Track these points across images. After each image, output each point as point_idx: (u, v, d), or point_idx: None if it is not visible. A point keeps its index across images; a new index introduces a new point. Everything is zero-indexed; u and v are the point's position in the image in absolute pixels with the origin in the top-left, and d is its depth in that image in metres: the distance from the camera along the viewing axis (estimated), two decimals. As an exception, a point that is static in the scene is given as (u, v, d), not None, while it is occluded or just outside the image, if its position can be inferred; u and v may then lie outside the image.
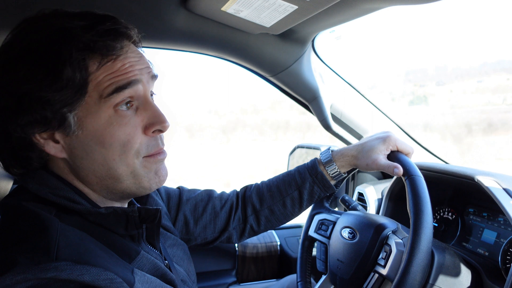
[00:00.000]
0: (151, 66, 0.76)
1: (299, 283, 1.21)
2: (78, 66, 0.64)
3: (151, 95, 0.77)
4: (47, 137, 0.68)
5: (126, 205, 0.82)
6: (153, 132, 0.73)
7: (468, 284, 0.96)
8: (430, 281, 0.90)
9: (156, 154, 0.75)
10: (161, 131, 0.74)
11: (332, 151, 1.13)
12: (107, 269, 0.60)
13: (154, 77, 0.76)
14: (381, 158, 1.04)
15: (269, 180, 1.19)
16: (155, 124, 0.72)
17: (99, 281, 0.58)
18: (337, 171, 1.11)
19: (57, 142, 0.68)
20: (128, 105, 0.70)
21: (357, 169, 1.16)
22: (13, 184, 1.00)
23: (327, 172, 1.11)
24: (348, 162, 1.11)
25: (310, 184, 1.12)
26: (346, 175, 1.15)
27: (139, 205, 0.86)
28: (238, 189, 1.22)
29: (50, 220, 0.63)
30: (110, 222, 0.71)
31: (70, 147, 0.69)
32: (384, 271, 0.92)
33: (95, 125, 0.67)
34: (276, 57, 1.44)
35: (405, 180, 0.94)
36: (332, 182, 1.13)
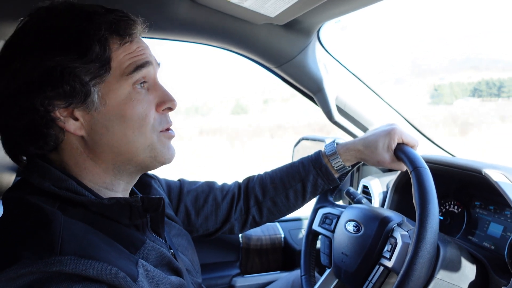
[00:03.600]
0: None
1: (303, 277, 1.21)
2: (103, 43, 0.70)
3: None
4: (67, 114, 0.70)
5: (128, 195, 0.83)
6: (163, 110, 0.79)
7: (473, 277, 0.95)
8: (435, 275, 0.89)
9: (168, 130, 0.81)
10: (170, 108, 0.80)
11: (337, 144, 1.11)
12: (111, 263, 0.60)
13: (158, 64, 0.81)
14: (389, 156, 1.04)
15: (273, 171, 1.19)
16: (165, 102, 0.78)
17: (103, 275, 0.58)
18: (341, 164, 1.10)
19: (76, 119, 0.71)
20: (142, 84, 0.76)
21: (362, 162, 1.15)
22: (16, 176, 1.00)
23: (331, 165, 1.10)
24: (354, 156, 1.10)
25: (313, 177, 1.11)
26: (350, 168, 1.14)
27: (141, 195, 0.86)
28: (240, 180, 1.21)
29: (53, 214, 0.63)
30: (114, 212, 0.72)
31: (90, 124, 0.71)
32: (389, 264, 0.92)
33: (116, 100, 0.72)
34: (280, 48, 1.42)
35: (410, 172, 0.93)
36: (336, 175, 1.12)
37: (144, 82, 0.76)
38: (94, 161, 0.74)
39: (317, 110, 1.65)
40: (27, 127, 0.69)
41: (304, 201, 1.16)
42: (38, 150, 0.71)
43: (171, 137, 0.82)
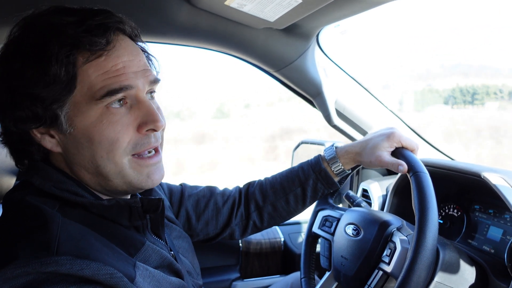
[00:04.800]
0: (149, 68, 0.75)
1: (302, 280, 1.21)
2: (65, 62, 0.64)
3: (151, 92, 0.77)
4: (44, 132, 0.70)
5: (128, 197, 0.83)
6: (146, 130, 0.72)
7: (473, 281, 0.95)
8: (435, 278, 0.89)
9: (147, 158, 0.75)
10: (154, 130, 0.73)
11: (336, 147, 1.12)
12: (108, 264, 0.61)
13: (154, 81, 0.75)
14: (385, 155, 1.03)
15: (273, 177, 1.19)
16: (148, 123, 0.72)
17: (99, 275, 0.58)
18: (341, 168, 1.10)
19: (53, 137, 0.70)
20: (121, 102, 0.70)
21: (361, 166, 1.15)
22: (16, 180, 1.00)
23: (331, 169, 1.11)
24: (352, 159, 1.10)
25: (313, 181, 1.12)
26: (350, 171, 1.14)
27: (141, 196, 0.86)
28: (241, 186, 1.22)
29: (51, 215, 0.64)
30: (114, 213, 0.72)
31: (64, 143, 0.71)
32: (388, 269, 0.92)
33: (85, 124, 0.68)
34: (280, 52, 1.43)
35: (410, 176, 0.93)
36: (336, 179, 1.12)
37: (124, 99, 0.70)
38: (77, 176, 0.74)
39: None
40: (10, 143, 0.72)
41: (304, 205, 1.16)
42: (27, 161, 0.73)
43: (150, 165, 0.75)
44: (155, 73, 0.78)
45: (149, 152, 0.76)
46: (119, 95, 0.68)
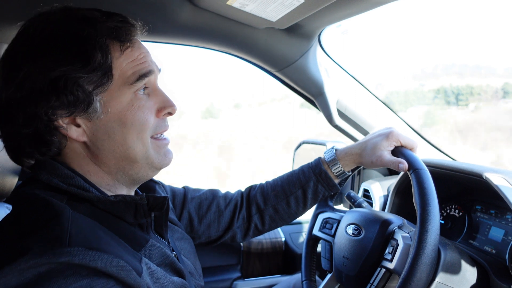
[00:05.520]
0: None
1: (304, 282, 1.21)
2: (105, 51, 0.70)
3: None
4: (69, 122, 0.71)
5: (133, 193, 0.85)
6: (163, 115, 0.80)
7: (474, 281, 0.95)
8: (436, 278, 0.89)
9: (162, 139, 0.83)
10: (170, 113, 0.82)
11: (336, 150, 1.13)
12: (118, 256, 0.61)
13: (159, 70, 0.82)
14: (386, 154, 1.04)
15: (274, 180, 1.20)
16: (166, 107, 0.80)
17: (111, 267, 0.59)
18: (341, 170, 1.11)
19: (78, 126, 0.72)
20: (143, 90, 0.77)
21: (362, 166, 1.16)
22: (18, 180, 1.00)
23: (331, 171, 1.12)
24: (353, 161, 1.11)
25: (314, 183, 1.12)
26: (350, 173, 1.15)
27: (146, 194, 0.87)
28: (243, 189, 1.22)
29: (62, 208, 0.65)
30: (120, 209, 0.73)
31: (92, 131, 0.73)
32: (391, 265, 0.92)
33: (118, 108, 0.73)
34: (282, 52, 1.43)
35: (410, 174, 0.94)
36: (336, 181, 1.13)
37: (145, 88, 0.78)
38: (97, 165, 0.76)
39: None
40: (31, 134, 0.70)
41: (305, 207, 1.17)
42: (41, 156, 0.72)
43: (165, 145, 0.83)
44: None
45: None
46: (146, 80, 0.76)
